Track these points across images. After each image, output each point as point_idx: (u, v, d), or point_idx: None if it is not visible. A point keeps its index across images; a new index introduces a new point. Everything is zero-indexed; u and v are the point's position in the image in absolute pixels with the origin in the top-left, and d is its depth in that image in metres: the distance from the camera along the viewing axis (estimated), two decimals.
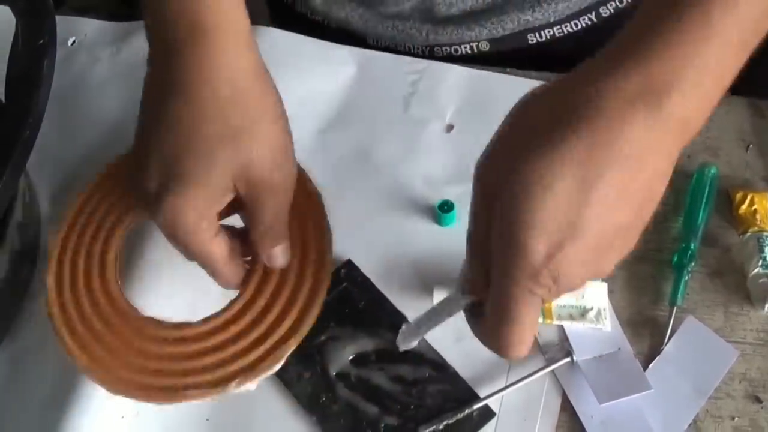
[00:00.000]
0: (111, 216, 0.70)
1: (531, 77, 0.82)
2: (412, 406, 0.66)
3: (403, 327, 0.60)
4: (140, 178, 0.62)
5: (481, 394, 0.66)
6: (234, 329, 0.64)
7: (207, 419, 0.68)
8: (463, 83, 0.82)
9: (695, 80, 0.47)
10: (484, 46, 0.88)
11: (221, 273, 0.64)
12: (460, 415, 0.65)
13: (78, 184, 0.80)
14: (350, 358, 0.69)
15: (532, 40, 0.88)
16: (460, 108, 0.81)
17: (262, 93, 0.62)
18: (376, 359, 0.69)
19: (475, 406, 0.65)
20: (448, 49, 0.89)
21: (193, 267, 0.64)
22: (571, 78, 0.48)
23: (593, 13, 0.87)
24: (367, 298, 0.71)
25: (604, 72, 0.47)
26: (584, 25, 0.88)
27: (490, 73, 0.83)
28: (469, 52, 0.89)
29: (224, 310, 0.65)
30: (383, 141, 0.80)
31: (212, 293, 0.66)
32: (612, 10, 0.88)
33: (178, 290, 0.71)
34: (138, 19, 0.88)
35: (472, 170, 0.52)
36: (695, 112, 0.48)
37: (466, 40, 0.88)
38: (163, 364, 0.63)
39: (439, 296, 0.70)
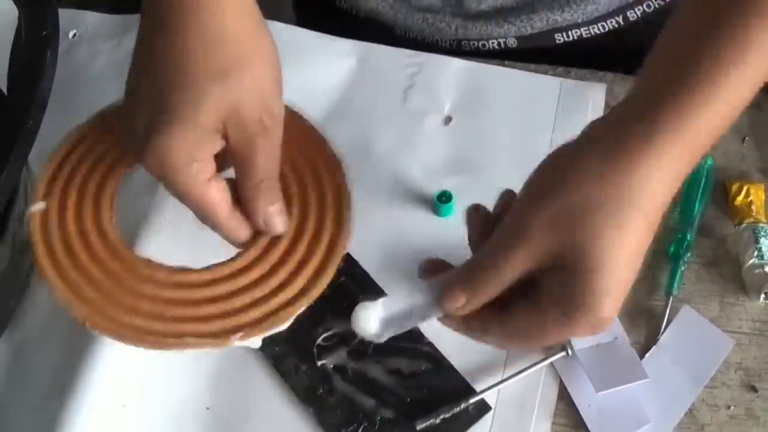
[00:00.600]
0: (104, 162, 0.67)
1: (529, 70, 0.82)
2: (408, 399, 0.67)
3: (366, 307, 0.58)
4: (129, 120, 0.60)
5: (478, 388, 0.67)
6: (242, 281, 0.61)
7: (207, 408, 0.68)
8: (462, 76, 0.83)
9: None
10: (512, 43, 0.89)
11: (223, 223, 0.61)
12: (456, 409, 0.66)
13: None
14: (347, 351, 0.70)
15: (559, 40, 0.89)
16: (459, 100, 0.82)
17: (255, 33, 0.60)
18: (373, 352, 0.69)
19: (472, 400, 0.66)
20: (476, 44, 0.90)
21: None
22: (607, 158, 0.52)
23: (620, 16, 0.89)
24: (365, 292, 0.72)
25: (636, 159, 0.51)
26: (611, 27, 0.89)
27: (488, 65, 0.84)
28: (497, 47, 0.89)
29: (232, 260, 0.62)
30: (382, 133, 0.81)
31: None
32: (639, 14, 0.89)
33: (183, 246, 0.70)
34: (138, 12, 0.89)
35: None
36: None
37: (494, 36, 0.89)
38: (161, 309, 0.60)
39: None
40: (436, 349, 0.69)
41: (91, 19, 0.93)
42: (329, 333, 0.70)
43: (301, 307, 0.61)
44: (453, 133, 0.80)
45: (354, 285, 0.73)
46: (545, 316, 0.52)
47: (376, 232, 0.75)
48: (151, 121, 0.57)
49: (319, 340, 0.70)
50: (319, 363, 0.69)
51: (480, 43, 0.89)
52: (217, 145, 0.58)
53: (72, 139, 0.70)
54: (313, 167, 0.65)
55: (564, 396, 0.67)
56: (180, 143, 0.56)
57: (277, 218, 0.61)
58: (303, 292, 0.61)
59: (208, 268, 0.62)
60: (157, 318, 0.60)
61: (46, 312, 0.75)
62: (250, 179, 0.60)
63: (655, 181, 0.52)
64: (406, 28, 0.92)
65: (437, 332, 0.69)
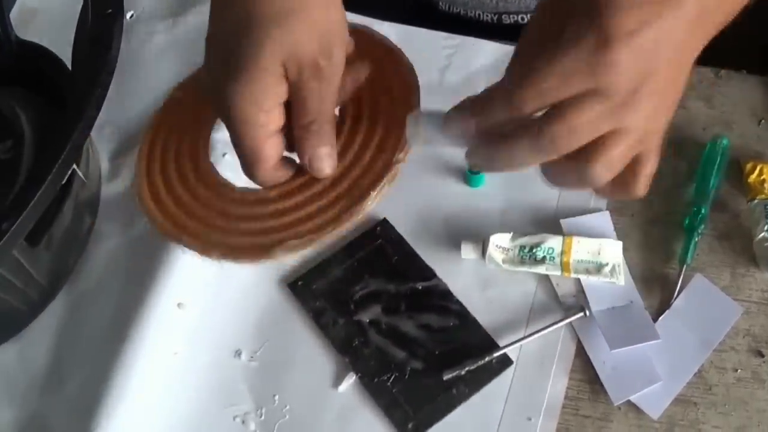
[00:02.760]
0: (199, 117, 0.70)
1: None
2: (436, 352, 0.72)
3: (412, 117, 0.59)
4: (207, 71, 0.62)
5: (501, 344, 0.72)
6: (317, 186, 0.62)
7: (251, 357, 0.74)
8: (493, 57, 0.87)
9: None
10: None
11: (261, 175, 0.62)
12: (480, 362, 0.70)
13: (133, 146, 0.87)
14: (381, 307, 0.75)
15: None
16: (491, 79, 0.85)
17: None
18: (405, 309, 0.74)
19: (495, 354, 0.71)
20: (516, 17, 0.93)
21: None
22: None
23: None
24: (400, 254, 0.77)
25: None
26: None
27: None
28: None
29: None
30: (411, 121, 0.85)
31: None
32: None
33: None
34: None
35: None
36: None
37: (533, 9, 0.91)
38: (251, 224, 0.63)
39: (466, 250, 0.75)
40: (463, 307, 0.74)
41: (148, 1, 0.98)
42: (366, 290, 0.75)
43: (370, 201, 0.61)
44: None
45: (390, 247, 0.77)
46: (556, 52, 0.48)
47: (411, 200, 0.80)
48: (221, 71, 0.59)
49: (356, 297, 0.75)
50: (356, 317, 0.74)
51: (519, 17, 0.93)
52: (283, 90, 0.58)
53: (172, 96, 0.74)
54: (388, 87, 0.65)
55: (581, 354, 0.71)
56: (247, 92, 0.57)
57: (321, 162, 0.61)
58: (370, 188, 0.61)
59: (288, 181, 0.63)
60: (252, 234, 0.62)
61: (103, 269, 0.81)
62: (300, 119, 0.59)
63: None
64: (450, 2, 0.95)
65: (466, 293, 0.75)
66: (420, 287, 0.75)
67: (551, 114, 0.49)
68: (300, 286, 0.77)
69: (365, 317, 0.74)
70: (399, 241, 0.78)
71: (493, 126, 0.51)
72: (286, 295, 0.77)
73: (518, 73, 0.49)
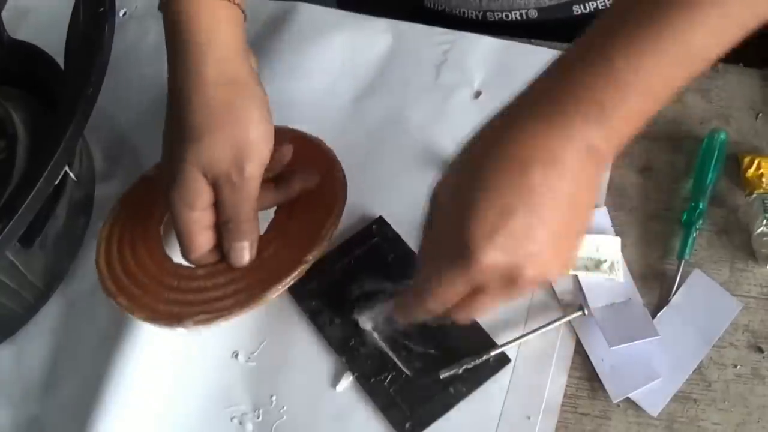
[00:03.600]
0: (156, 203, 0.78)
1: (555, 48, 0.86)
2: (433, 351, 0.71)
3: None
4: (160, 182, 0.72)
5: (500, 342, 0.71)
6: (237, 272, 0.72)
7: (248, 358, 0.73)
8: (491, 53, 0.87)
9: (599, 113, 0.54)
10: (533, 14, 0.92)
11: (193, 259, 0.72)
12: (478, 361, 0.70)
13: (128, 145, 0.86)
14: (378, 306, 0.73)
15: (576, 11, 0.92)
16: (488, 76, 0.86)
17: (238, 98, 0.69)
18: None
19: (492, 353, 0.70)
20: (500, 14, 0.93)
21: None
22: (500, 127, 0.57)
23: None
24: (396, 253, 0.77)
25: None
26: None
27: (515, 43, 0.87)
28: (519, 18, 0.93)
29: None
30: (415, 106, 0.85)
31: None
32: None
33: None
34: None
35: None
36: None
37: (516, 7, 0.92)
38: (175, 295, 0.72)
39: None
40: None
41: None
42: (362, 289, 0.75)
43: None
44: (482, 106, 0.84)
45: (386, 246, 0.77)
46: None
47: (408, 198, 0.78)
48: (165, 172, 0.70)
49: (353, 296, 0.74)
50: (352, 317, 0.73)
51: (503, 14, 0.93)
52: (210, 193, 0.69)
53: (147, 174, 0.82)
54: (320, 193, 0.75)
55: (579, 351, 0.71)
56: (179, 195, 0.68)
57: (236, 254, 0.71)
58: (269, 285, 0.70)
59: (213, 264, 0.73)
60: (177, 304, 0.71)
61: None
62: (220, 217, 0.70)
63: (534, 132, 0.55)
64: (434, 0, 0.96)
65: None
66: None
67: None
68: (296, 286, 0.75)
69: (362, 316, 0.73)
70: (395, 240, 0.77)
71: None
72: (283, 294, 0.76)
73: (420, 286, 0.60)
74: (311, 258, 0.70)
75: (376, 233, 0.78)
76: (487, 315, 0.66)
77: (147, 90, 0.90)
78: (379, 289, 0.74)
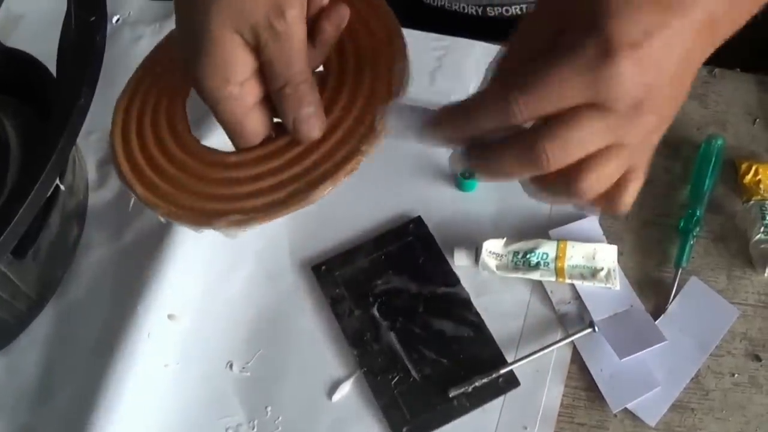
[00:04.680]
0: (172, 83, 0.66)
1: None
2: (444, 361, 0.71)
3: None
4: (179, 50, 0.60)
5: (502, 349, 0.71)
6: (276, 161, 0.59)
7: (243, 368, 0.73)
8: (485, 59, 0.85)
9: None
10: (533, 8, 0.91)
11: (242, 145, 0.60)
12: (487, 380, 0.69)
13: None
14: (400, 305, 0.74)
15: None
16: (484, 82, 0.85)
17: None
18: (422, 311, 0.74)
19: (502, 371, 0.69)
20: (500, 9, 0.92)
21: None
22: None
23: None
24: (428, 255, 0.76)
25: None
26: None
27: None
28: (519, 13, 0.92)
29: (269, 141, 0.60)
30: (392, 110, 0.83)
31: None
32: None
33: None
34: None
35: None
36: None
37: (516, 1, 0.91)
38: (203, 186, 0.59)
39: (459, 256, 0.74)
40: (481, 320, 0.73)
41: (134, 4, 0.97)
42: (387, 286, 0.75)
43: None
44: None
45: (419, 246, 0.77)
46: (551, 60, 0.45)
47: (402, 204, 0.79)
48: (188, 50, 0.57)
49: (377, 290, 0.75)
50: (372, 311, 0.74)
51: (504, 8, 0.92)
52: (249, 59, 0.56)
53: (143, 68, 0.70)
54: (373, 42, 0.62)
55: (576, 360, 0.71)
56: (212, 67, 0.55)
57: (304, 124, 0.57)
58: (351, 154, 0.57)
59: (264, 143, 0.60)
60: (226, 199, 0.58)
61: (92, 279, 0.80)
62: (273, 84, 0.57)
63: None
64: None
65: (485, 307, 0.74)
66: (441, 292, 0.74)
67: (545, 127, 0.46)
68: (324, 271, 0.76)
69: (381, 312, 0.74)
70: (429, 242, 0.77)
71: (483, 133, 0.49)
72: (308, 278, 0.77)
73: (512, 80, 0.46)
74: (367, 148, 0.57)
75: (412, 232, 0.78)
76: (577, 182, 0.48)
77: None
78: (404, 289, 0.74)
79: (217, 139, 0.63)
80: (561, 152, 0.46)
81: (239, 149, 0.60)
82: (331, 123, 0.58)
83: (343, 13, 0.59)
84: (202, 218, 0.57)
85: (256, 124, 0.58)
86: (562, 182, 0.48)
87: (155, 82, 0.66)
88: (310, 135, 0.57)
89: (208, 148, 0.61)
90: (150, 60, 0.69)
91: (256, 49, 0.55)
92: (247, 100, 0.57)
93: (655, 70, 0.45)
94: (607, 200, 0.50)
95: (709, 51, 0.49)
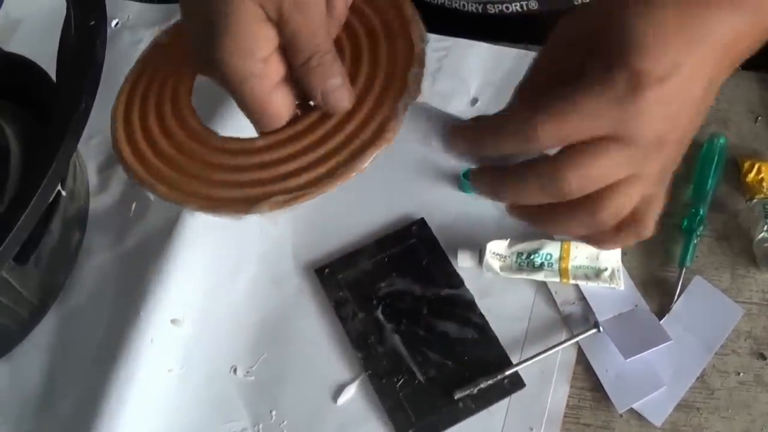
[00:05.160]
0: (183, 62, 0.62)
1: None
2: (449, 363, 0.71)
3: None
4: (190, 35, 0.57)
5: (513, 360, 0.71)
6: (311, 137, 0.56)
7: (247, 372, 0.73)
8: (486, 59, 0.86)
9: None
10: (533, 5, 0.91)
11: (267, 128, 0.56)
12: (492, 381, 0.69)
13: None
14: (403, 308, 0.74)
15: (577, 1, 0.90)
16: (484, 82, 0.85)
17: None
18: (427, 313, 0.74)
19: (507, 372, 0.69)
20: (500, 6, 0.92)
21: None
22: None
23: None
24: (431, 257, 0.76)
25: None
26: None
27: (511, 49, 0.86)
28: (519, 10, 0.91)
29: (297, 120, 0.57)
30: (411, 110, 0.83)
31: None
32: None
33: None
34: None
35: None
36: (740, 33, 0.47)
37: None
38: (235, 176, 0.57)
39: (463, 258, 0.74)
40: (485, 321, 0.72)
41: (133, 8, 0.97)
42: (391, 288, 0.75)
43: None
44: (479, 113, 0.82)
45: (423, 248, 0.77)
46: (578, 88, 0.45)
47: (405, 206, 0.79)
48: (203, 33, 0.54)
49: (381, 293, 0.75)
50: (376, 314, 0.74)
51: (504, 6, 0.92)
52: (272, 34, 0.53)
53: (148, 52, 0.67)
54: (384, 19, 0.60)
55: (581, 361, 0.70)
56: (234, 45, 0.52)
57: (334, 95, 0.54)
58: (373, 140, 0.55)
59: (278, 131, 0.57)
60: (238, 185, 0.56)
61: (94, 284, 0.80)
62: (298, 58, 0.54)
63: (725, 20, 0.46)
64: None
65: (489, 309, 0.74)
66: (445, 294, 0.74)
67: (567, 155, 0.46)
68: (327, 274, 0.76)
69: (385, 315, 0.74)
70: (433, 244, 0.77)
71: (500, 153, 0.49)
72: (312, 281, 0.77)
73: (539, 104, 0.46)
74: (404, 106, 0.54)
75: (415, 234, 0.78)
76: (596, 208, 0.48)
77: None
78: (408, 291, 0.74)
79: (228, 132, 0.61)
80: (583, 181, 0.46)
81: (262, 133, 0.57)
82: (359, 93, 0.56)
83: None
84: (242, 206, 0.55)
85: (281, 104, 0.55)
86: (576, 214, 0.48)
87: (153, 78, 0.64)
88: (341, 105, 0.55)
89: (226, 138, 0.59)
90: (145, 59, 0.67)
91: (278, 24, 0.53)
92: (271, 77, 0.54)
93: (680, 103, 0.46)
94: (628, 229, 0.50)
95: (730, 71, 0.49)
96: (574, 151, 0.46)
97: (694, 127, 0.49)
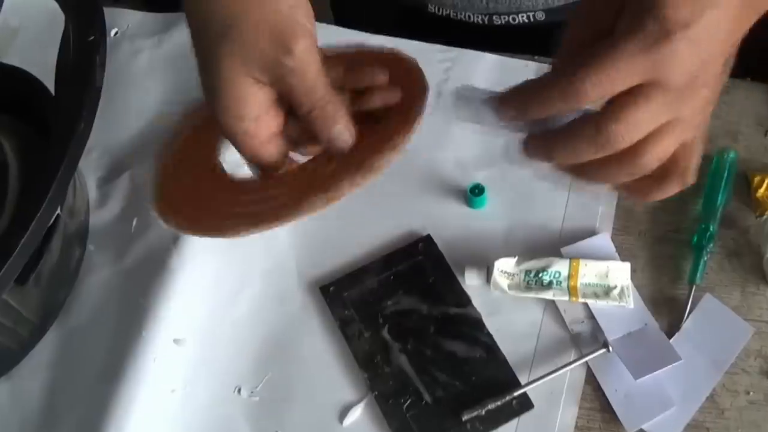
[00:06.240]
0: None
1: None
2: (457, 383, 0.70)
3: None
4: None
5: (522, 380, 0.70)
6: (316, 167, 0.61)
7: (251, 393, 0.72)
8: (493, 70, 0.85)
9: None
10: (540, 16, 0.91)
11: (274, 172, 0.61)
12: (500, 402, 0.68)
13: (122, 170, 0.84)
14: (410, 327, 0.73)
15: None
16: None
17: None
18: (434, 332, 0.73)
19: (516, 393, 0.68)
20: (506, 17, 0.91)
21: None
22: None
23: None
24: (438, 275, 0.75)
25: None
26: None
27: (518, 60, 0.85)
28: (526, 21, 0.91)
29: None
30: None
31: None
32: None
33: None
34: (174, 8, 0.91)
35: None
36: None
37: (524, 9, 0.90)
38: (242, 208, 0.61)
39: (470, 276, 0.73)
40: (493, 341, 0.72)
41: (132, 17, 0.95)
42: (397, 307, 0.74)
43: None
44: None
45: (429, 266, 0.76)
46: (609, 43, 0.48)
47: (411, 222, 0.78)
48: (206, 89, 0.59)
49: (387, 312, 0.74)
50: (382, 333, 0.73)
51: (510, 17, 0.91)
52: (264, 95, 0.58)
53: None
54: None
55: (590, 381, 0.70)
56: (225, 108, 0.57)
57: (338, 140, 0.58)
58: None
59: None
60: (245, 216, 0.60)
61: (95, 303, 0.78)
62: (299, 110, 0.58)
63: None
64: (440, 4, 0.93)
65: (497, 328, 0.73)
66: (452, 312, 0.73)
67: (611, 110, 0.49)
68: (332, 292, 0.75)
69: (392, 334, 0.73)
70: (439, 262, 0.76)
71: (549, 113, 0.51)
72: (316, 299, 0.76)
73: (580, 61, 0.49)
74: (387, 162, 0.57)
75: (422, 251, 0.77)
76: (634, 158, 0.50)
77: (140, 111, 0.88)
78: (415, 309, 0.74)
79: None
80: (628, 131, 0.49)
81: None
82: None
83: (393, 98, 0.61)
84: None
85: (270, 156, 0.60)
86: (622, 162, 0.51)
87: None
88: (344, 147, 0.59)
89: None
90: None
91: (273, 86, 0.57)
92: (261, 135, 0.59)
93: (707, 45, 0.48)
94: (670, 177, 0.53)
95: (749, 24, 0.51)
96: (616, 104, 0.49)
97: (721, 76, 0.51)
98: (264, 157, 0.60)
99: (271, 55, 0.56)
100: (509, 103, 0.53)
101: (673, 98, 0.49)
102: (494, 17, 0.91)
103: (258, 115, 0.58)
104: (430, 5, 0.94)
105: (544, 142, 0.53)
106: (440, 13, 0.94)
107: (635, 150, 0.50)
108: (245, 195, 0.62)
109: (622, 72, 0.48)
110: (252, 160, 0.60)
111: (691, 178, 0.53)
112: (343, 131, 0.58)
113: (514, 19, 0.91)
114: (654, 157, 0.50)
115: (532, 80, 0.51)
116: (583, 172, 0.53)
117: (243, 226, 0.59)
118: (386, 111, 0.61)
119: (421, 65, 0.63)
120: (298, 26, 0.56)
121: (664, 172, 0.53)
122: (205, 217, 0.63)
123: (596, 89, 0.48)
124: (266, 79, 0.57)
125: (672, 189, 0.54)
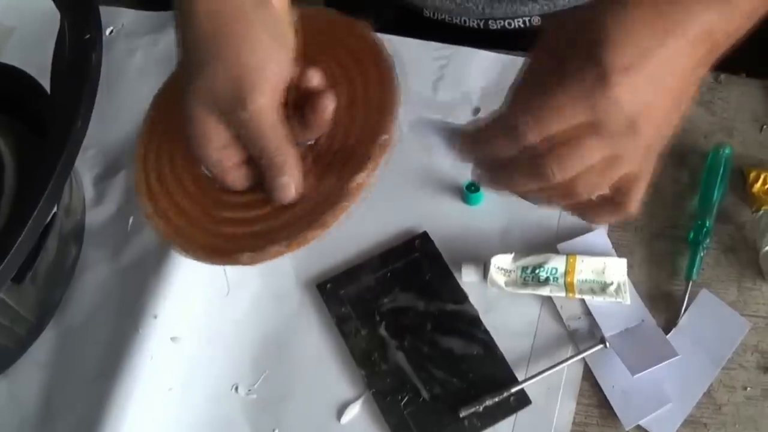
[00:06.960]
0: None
1: None
2: (454, 380, 0.70)
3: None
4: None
5: (519, 376, 0.70)
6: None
7: (249, 391, 0.72)
8: (489, 67, 0.85)
9: None
10: (536, 21, 0.91)
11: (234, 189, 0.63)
12: (498, 398, 0.68)
13: (118, 168, 0.84)
14: (407, 324, 0.73)
15: None
16: (486, 91, 0.84)
17: (219, 31, 0.59)
18: (430, 329, 0.73)
19: (513, 389, 0.69)
20: (502, 22, 0.91)
21: None
22: None
23: None
24: (435, 272, 0.75)
25: None
26: None
27: (514, 57, 0.85)
28: (522, 26, 0.91)
29: None
30: (414, 124, 0.83)
31: None
32: None
33: None
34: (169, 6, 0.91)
35: None
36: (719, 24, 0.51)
37: (519, 14, 0.90)
38: (237, 228, 0.62)
39: (467, 272, 0.73)
40: (490, 337, 0.72)
41: (128, 16, 0.95)
42: (394, 304, 0.74)
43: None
44: None
45: (426, 263, 0.76)
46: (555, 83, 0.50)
47: (408, 219, 0.78)
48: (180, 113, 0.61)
49: (383, 309, 0.74)
50: (379, 330, 0.73)
51: (506, 22, 0.91)
52: (223, 131, 0.59)
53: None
54: (362, 70, 0.65)
55: (588, 377, 0.70)
56: (193, 135, 0.60)
57: (278, 192, 0.60)
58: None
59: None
60: (240, 238, 0.62)
61: (91, 302, 0.78)
62: (251, 152, 0.60)
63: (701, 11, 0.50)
64: (435, 9, 0.93)
65: (494, 324, 0.73)
66: (449, 309, 0.73)
67: (547, 148, 0.51)
68: (329, 289, 0.75)
69: (388, 331, 0.73)
70: (436, 258, 0.76)
71: (496, 151, 0.54)
72: (313, 297, 0.76)
73: (520, 105, 0.52)
74: (365, 176, 0.59)
75: (418, 248, 0.77)
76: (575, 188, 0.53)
77: (136, 109, 0.86)
78: (411, 306, 0.74)
79: None
80: (562, 169, 0.52)
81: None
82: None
83: (328, 104, 0.61)
84: (222, 256, 0.61)
85: (234, 182, 0.62)
86: (562, 190, 0.54)
87: (166, 127, 0.68)
88: (284, 199, 0.60)
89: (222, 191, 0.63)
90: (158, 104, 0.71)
91: (228, 128, 0.59)
92: (225, 164, 0.61)
93: (651, 88, 0.50)
94: (614, 207, 0.56)
95: (709, 62, 0.53)
96: (555, 142, 0.51)
97: (674, 113, 0.52)
98: (228, 182, 0.61)
99: (228, 105, 0.58)
100: (459, 142, 0.57)
101: (610, 140, 0.50)
102: (490, 22, 0.92)
103: (221, 147, 0.60)
104: (425, 10, 0.94)
105: (490, 173, 0.56)
106: (436, 17, 0.94)
107: (572, 182, 0.52)
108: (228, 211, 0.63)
109: (558, 117, 0.50)
110: (220, 181, 0.62)
111: (633, 208, 0.55)
112: (287, 184, 0.60)
113: (510, 24, 0.91)
114: (587, 190, 0.53)
115: (478, 123, 0.55)
116: (528, 197, 0.57)
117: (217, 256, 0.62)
118: (350, 153, 0.61)
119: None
120: (260, 81, 0.58)
121: (604, 199, 0.55)
122: (188, 229, 0.63)
123: (534, 132, 0.51)
124: (225, 120, 0.59)
125: (609, 216, 0.57)
